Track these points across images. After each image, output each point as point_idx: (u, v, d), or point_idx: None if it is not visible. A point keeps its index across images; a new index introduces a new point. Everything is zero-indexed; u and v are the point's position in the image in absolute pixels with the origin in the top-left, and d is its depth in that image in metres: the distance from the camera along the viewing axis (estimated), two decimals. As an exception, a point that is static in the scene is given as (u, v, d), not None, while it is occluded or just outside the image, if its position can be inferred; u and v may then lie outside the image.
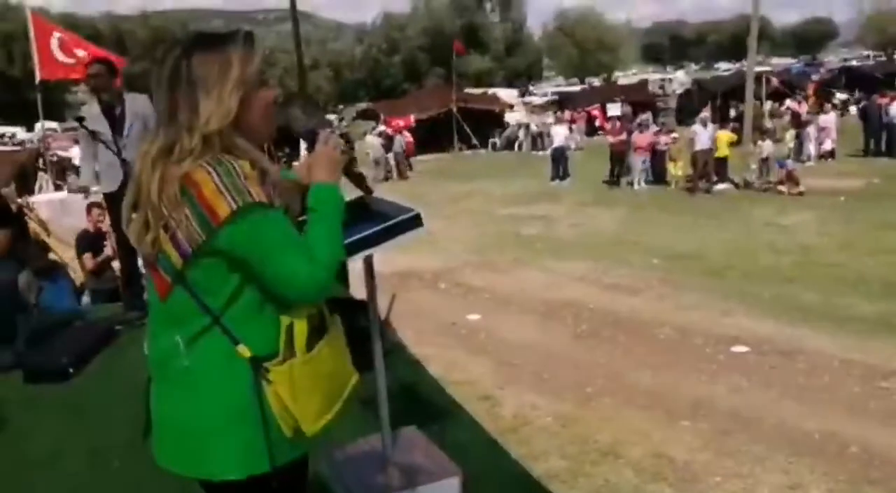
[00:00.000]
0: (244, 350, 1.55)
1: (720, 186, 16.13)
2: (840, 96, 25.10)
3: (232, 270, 1.54)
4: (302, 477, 1.79)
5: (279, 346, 1.58)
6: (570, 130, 24.23)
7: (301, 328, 1.59)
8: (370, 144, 23.93)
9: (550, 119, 26.73)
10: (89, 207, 6.87)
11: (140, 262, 5.77)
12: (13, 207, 6.73)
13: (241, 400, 1.55)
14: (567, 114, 29.29)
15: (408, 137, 26.06)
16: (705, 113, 18.13)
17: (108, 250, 6.83)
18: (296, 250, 1.53)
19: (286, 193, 1.67)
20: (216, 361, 1.56)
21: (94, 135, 4.98)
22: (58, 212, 8.73)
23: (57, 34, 8.98)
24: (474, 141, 29.57)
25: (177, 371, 1.59)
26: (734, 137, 17.26)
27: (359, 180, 2.01)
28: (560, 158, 19.49)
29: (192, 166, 1.49)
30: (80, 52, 8.80)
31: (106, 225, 6.68)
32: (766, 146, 16.70)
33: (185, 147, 1.51)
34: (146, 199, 1.53)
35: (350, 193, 2.12)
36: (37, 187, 14.44)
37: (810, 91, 25.08)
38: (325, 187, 1.69)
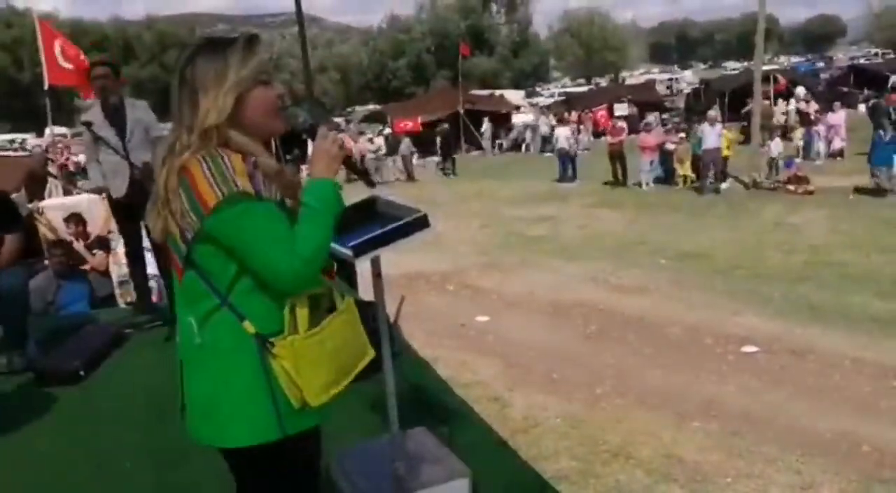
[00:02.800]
0: (249, 326, 1.67)
1: (725, 185, 16.12)
2: (800, 93, 24.73)
3: (229, 256, 1.65)
4: (316, 448, 1.90)
5: (283, 323, 1.69)
6: (579, 130, 24.20)
7: (303, 308, 1.70)
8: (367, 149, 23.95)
9: (550, 121, 26.74)
10: (66, 219, 6.94)
11: (149, 267, 5.83)
12: (23, 212, 6.77)
13: (250, 373, 1.68)
14: (574, 115, 29.25)
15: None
16: (712, 112, 18.05)
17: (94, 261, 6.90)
18: (277, 242, 1.62)
19: (286, 185, 1.76)
20: (225, 337, 1.69)
21: (99, 139, 4.98)
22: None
23: (59, 42, 9.04)
24: (483, 143, 29.54)
25: (193, 349, 1.72)
26: (734, 136, 17.29)
27: (360, 172, 2.04)
28: (565, 159, 19.53)
29: (188, 158, 1.63)
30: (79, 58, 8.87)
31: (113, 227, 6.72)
32: (775, 145, 16.65)
33: (183, 142, 1.67)
34: (158, 188, 1.68)
35: (357, 194, 2.12)
36: (46, 193, 14.49)
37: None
38: (320, 183, 1.76)
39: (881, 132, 14.69)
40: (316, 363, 1.70)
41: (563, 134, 20.12)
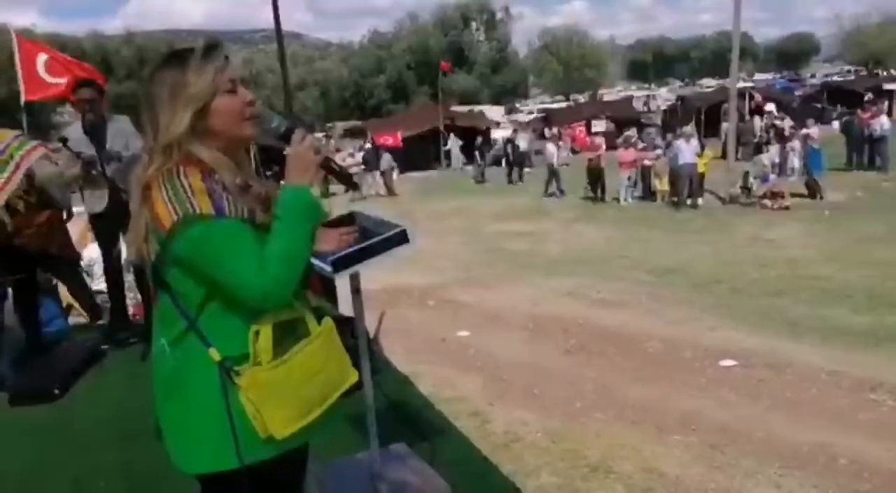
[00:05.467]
0: (215, 354, 1.63)
1: (702, 200, 16.30)
2: (771, 110, 25.45)
3: (197, 277, 1.61)
4: (289, 475, 1.83)
5: (249, 349, 1.64)
6: (558, 146, 24.45)
7: (266, 336, 1.64)
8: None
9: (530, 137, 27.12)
10: None
11: (126, 281, 5.77)
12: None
13: (211, 401, 1.63)
14: (554, 130, 29.46)
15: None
16: (687, 128, 18.30)
17: None
18: (243, 261, 1.56)
19: (256, 199, 1.69)
20: (193, 363, 1.65)
21: (77, 156, 4.94)
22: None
23: (44, 55, 8.92)
24: (462, 158, 29.64)
25: (165, 371, 1.70)
26: (712, 152, 17.67)
27: (342, 177, 1.93)
28: (554, 174, 19.76)
29: (151, 177, 1.61)
30: (64, 79, 8.72)
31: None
32: (763, 159, 16.93)
33: (147, 160, 1.64)
34: (131, 209, 1.66)
35: (340, 207, 2.11)
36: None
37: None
38: (294, 192, 1.66)
39: (810, 142, 16.60)
40: (281, 395, 1.64)
41: (551, 149, 20.36)
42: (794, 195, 15.43)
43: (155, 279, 1.67)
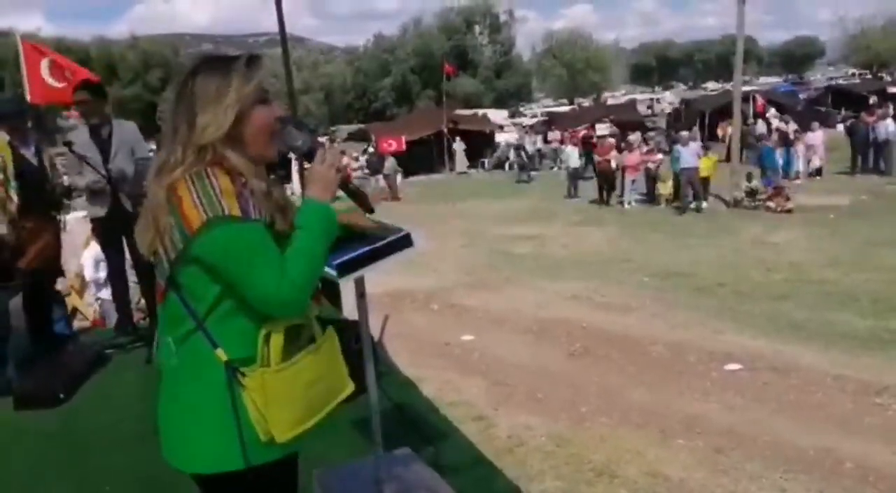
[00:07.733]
0: (222, 354, 1.63)
1: (706, 204, 16.29)
2: (773, 113, 25.62)
3: (213, 278, 1.62)
4: (288, 476, 1.85)
5: (257, 352, 1.64)
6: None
7: (277, 339, 1.65)
8: None
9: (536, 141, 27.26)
10: None
11: (131, 287, 5.79)
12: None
13: (217, 401, 1.65)
14: (557, 134, 29.48)
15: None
16: (685, 133, 18.25)
17: None
18: (266, 265, 1.58)
19: (276, 207, 1.72)
20: (198, 362, 1.65)
21: (82, 159, 4.96)
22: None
23: (48, 58, 8.96)
24: (466, 162, 29.64)
25: (168, 369, 1.71)
26: (716, 157, 17.65)
27: (358, 198, 1.96)
28: (575, 177, 20.12)
29: (178, 177, 1.60)
30: (69, 75, 8.76)
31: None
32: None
33: (177, 158, 1.63)
34: (148, 205, 1.65)
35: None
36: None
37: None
38: (315, 206, 1.71)
39: (764, 142, 17.48)
40: (286, 399, 1.65)
41: (573, 153, 20.51)
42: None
43: (167, 278, 1.67)
